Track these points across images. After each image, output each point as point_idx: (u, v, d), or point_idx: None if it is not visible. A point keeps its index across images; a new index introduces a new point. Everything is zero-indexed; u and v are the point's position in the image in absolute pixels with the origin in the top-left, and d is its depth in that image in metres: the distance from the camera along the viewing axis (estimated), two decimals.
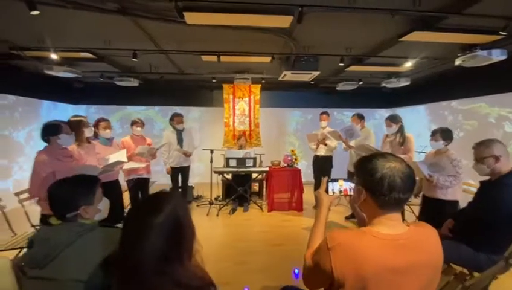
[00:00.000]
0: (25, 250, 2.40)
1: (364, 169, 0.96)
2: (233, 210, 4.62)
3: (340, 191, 1.28)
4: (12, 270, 1.22)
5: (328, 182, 1.27)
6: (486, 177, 1.95)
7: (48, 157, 2.17)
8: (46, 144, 2.27)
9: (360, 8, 2.49)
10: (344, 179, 1.30)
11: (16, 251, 2.43)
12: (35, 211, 2.43)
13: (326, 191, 1.25)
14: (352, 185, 1.19)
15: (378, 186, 0.91)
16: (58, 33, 3.30)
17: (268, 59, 4.21)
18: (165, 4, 2.46)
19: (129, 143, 3.82)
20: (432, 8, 2.56)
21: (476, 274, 1.85)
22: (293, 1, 2.40)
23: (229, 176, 4.75)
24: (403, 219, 3.24)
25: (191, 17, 2.66)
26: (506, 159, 1.82)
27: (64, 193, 1.13)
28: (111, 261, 0.86)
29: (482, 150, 1.86)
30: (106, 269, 0.88)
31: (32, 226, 2.70)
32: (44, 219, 2.23)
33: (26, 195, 2.75)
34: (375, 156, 0.97)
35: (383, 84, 5.29)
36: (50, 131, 2.19)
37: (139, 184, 3.91)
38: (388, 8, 2.52)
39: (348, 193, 1.28)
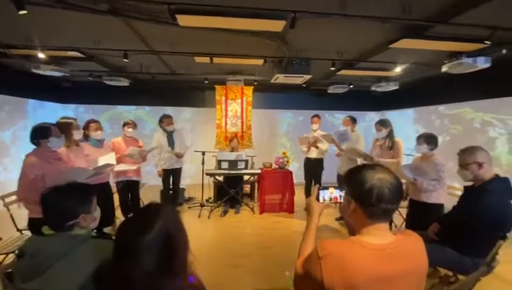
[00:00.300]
0: (11, 255, 2.35)
1: (354, 180, 0.99)
2: (225, 212, 4.62)
3: (331, 199, 1.30)
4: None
5: (319, 189, 1.30)
6: (471, 183, 2.02)
7: (38, 160, 2.13)
8: (33, 146, 2.22)
9: (351, 16, 2.53)
10: (334, 187, 1.32)
11: (1, 256, 2.36)
12: (22, 214, 2.37)
13: (317, 198, 1.28)
14: (343, 192, 1.22)
15: (367, 197, 0.94)
16: (46, 32, 3.22)
17: (260, 62, 4.23)
18: (158, 6, 2.44)
19: (120, 144, 3.76)
20: (421, 17, 2.63)
21: (460, 277, 1.92)
22: (286, 7, 2.42)
23: (220, 178, 4.74)
24: (391, 221, 3.33)
25: (183, 20, 2.64)
26: (489, 166, 1.89)
27: (63, 202, 1.12)
28: (103, 274, 0.85)
29: (466, 157, 1.93)
30: (98, 282, 0.87)
31: (18, 230, 2.64)
32: (32, 223, 2.18)
33: (12, 198, 2.68)
34: (364, 167, 1.00)
35: (373, 88, 5.39)
36: (40, 134, 2.16)
37: (128, 186, 3.86)
38: (379, 16, 2.58)
39: (338, 201, 1.31)
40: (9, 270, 1.48)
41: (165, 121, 4.34)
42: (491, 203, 1.78)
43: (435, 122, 5.44)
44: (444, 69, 3.61)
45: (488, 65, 3.38)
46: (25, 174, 2.10)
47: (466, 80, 4.10)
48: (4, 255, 2.35)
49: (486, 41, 2.92)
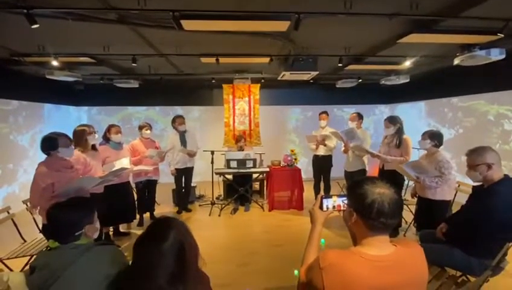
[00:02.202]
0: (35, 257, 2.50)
1: (355, 194, 1.02)
2: (235, 210, 4.71)
3: (334, 207, 1.32)
4: (27, 286, 1.29)
5: (322, 198, 1.32)
6: (479, 183, 2.00)
7: (48, 169, 2.20)
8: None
9: (357, 14, 2.49)
10: (338, 195, 1.34)
11: (25, 259, 2.51)
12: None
13: (321, 207, 1.30)
14: (345, 200, 1.25)
15: (368, 211, 0.97)
16: (58, 40, 3.33)
17: (266, 60, 4.22)
18: (162, 13, 2.48)
19: (139, 146, 3.97)
20: (428, 11, 2.57)
21: (471, 279, 1.92)
22: (290, 8, 2.41)
23: (230, 176, 4.82)
24: (400, 223, 3.32)
25: (188, 25, 2.68)
26: (498, 167, 1.86)
27: (67, 215, 1.21)
28: (124, 279, 0.97)
29: (475, 158, 1.90)
30: (120, 286, 0.99)
31: (41, 232, 2.79)
32: (45, 229, 2.30)
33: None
34: (364, 181, 1.02)
35: (383, 82, 5.28)
36: (48, 146, 2.22)
37: (148, 185, 4.08)
38: (385, 13, 2.53)
39: (342, 208, 1.33)
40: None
41: (177, 120, 4.46)
42: (499, 204, 1.76)
43: (448, 114, 5.30)
44: (456, 62, 3.51)
45: (502, 57, 3.26)
46: (36, 182, 2.18)
47: (480, 72, 3.97)
48: (29, 257, 2.50)
49: (499, 34, 2.81)
